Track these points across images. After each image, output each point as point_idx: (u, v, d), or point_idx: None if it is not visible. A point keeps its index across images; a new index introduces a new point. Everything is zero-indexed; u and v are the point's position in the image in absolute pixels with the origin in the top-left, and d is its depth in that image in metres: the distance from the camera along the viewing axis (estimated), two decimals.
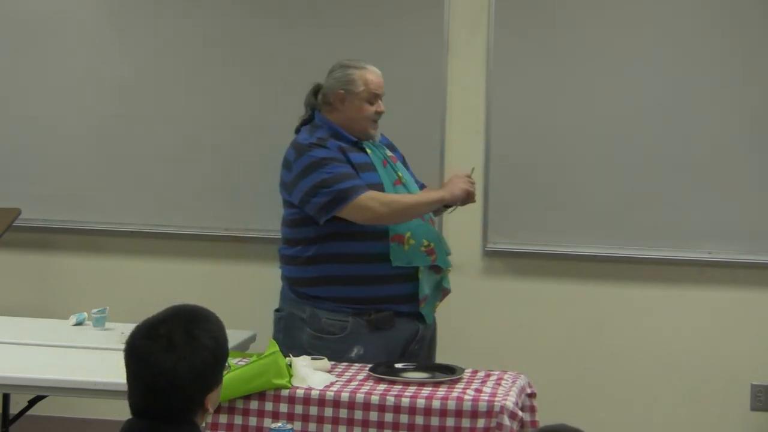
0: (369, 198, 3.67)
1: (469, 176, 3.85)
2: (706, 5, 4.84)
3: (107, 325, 4.27)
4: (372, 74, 3.84)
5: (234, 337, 3.99)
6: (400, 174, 3.84)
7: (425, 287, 3.76)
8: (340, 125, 3.81)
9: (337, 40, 5.02)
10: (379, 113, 3.84)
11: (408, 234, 3.71)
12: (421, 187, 4.03)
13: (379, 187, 3.72)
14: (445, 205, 3.87)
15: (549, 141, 4.93)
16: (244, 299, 5.12)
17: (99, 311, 4.31)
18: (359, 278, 3.73)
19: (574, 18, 4.91)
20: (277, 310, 3.94)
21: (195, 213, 5.17)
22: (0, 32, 5.25)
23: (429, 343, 3.93)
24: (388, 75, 4.94)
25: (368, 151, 3.82)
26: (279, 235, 5.07)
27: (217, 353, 2.29)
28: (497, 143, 4.94)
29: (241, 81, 5.11)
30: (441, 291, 3.89)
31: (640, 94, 4.86)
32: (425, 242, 3.74)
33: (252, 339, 4.27)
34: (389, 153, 3.90)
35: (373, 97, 3.82)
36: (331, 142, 3.75)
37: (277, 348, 3.32)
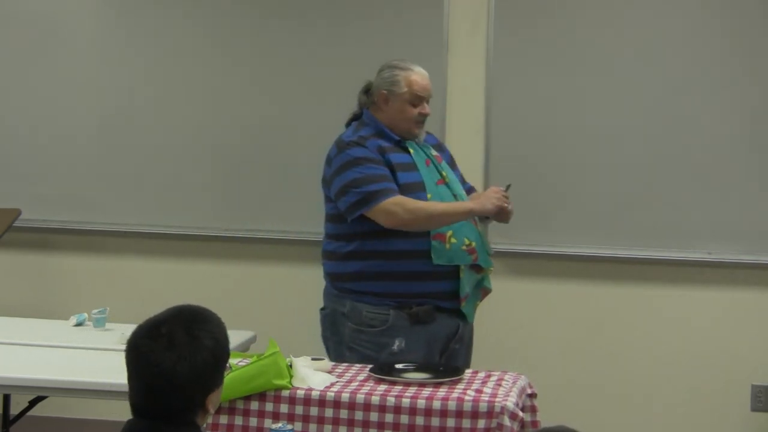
0: (394, 203, 3.67)
1: (505, 193, 3.82)
2: (706, 5, 4.84)
3: (107, 325, 4.27)
4: (417, 75, 3.81)
5: (234, 337, 3.98)
6: (444, 173, 3.83)
7: (466, 286, 3.77)
8: (385, 124, 3.81)
9: (337, 39, 5.02)
10: (423, 115, 3.82)
11: (450, 233, 3.71)
12: (469, 189, 4.04)
13: (420, 186, 3.73)
14: (484, 216, 3.84)
15: (549, 141, 4.93)
16: (245, 299, 5.13)
17: (99, 312, 4.31)
18: (400, 274, 3.74)
19: (574, 18, 4.91)
20: (321, 309, 3.95)
21: (195, 213, 5.17)
22: (0, 32, 5.25)
23: (468, 342, 3.93)
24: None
25: (411, 150, 3.81)
26: (279, 236, 5.11)
27: (218, 353, 2.29)
28: (497, 143, 4.94)
29: (241, 81, 5.11)
30: (481, 290, 3.90)
31: (640, 93, 4.86)
32: (467, 241, 3.74)
33: (252, 340, 4.26)
34: (434, 152, 3.89)
35: (417, 99, 3.79)
36: (372, 141, 3.76)
37: (277, 348, 3.31)
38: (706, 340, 4.92)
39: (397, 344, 3.75)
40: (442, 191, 3.77)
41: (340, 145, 3.81)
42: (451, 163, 4.00)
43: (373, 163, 3.72)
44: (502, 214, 3.81)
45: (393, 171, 3.73)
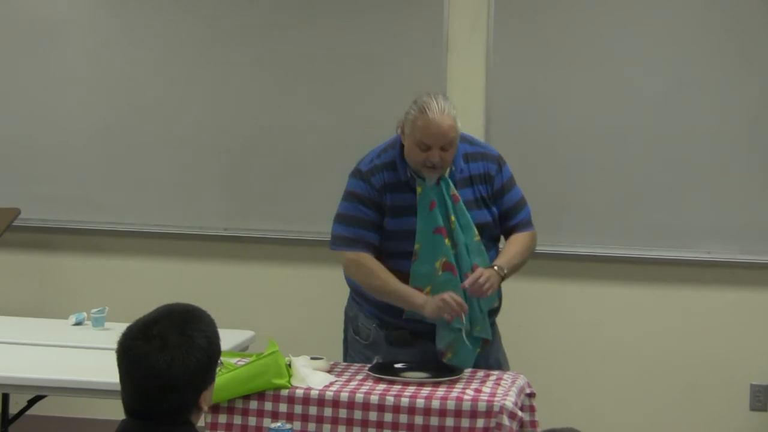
0: (353, 260, 3.60)
1: (455, 304, 3.46)
2: (706, 4, 4.83)
3: (106, 324, 4.27)
4: (425, 122, 3.47)
5: (233, 337, 4.01)
6: (452, 218, 3.55)
7: (441, 341, 3.58)
8: (405, 154, 3.59)
9: (338, 39, 5.02)
10: (430, 161, 3.49)
11: (428, 289, 3.55)
12: (516, 225, 3.70)
13: (409, 233, 3.55)
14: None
15: (548, 141, 4.92)
16: (244, 299, 5.12)
17: (98, 311, 4.31)
18: (374, 302, 3.70)
19: (574, 17, 4.90)
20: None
21: (195, 213, 5.16)
22: (0, 32, 5.25)
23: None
24: (387, 75, 4.99)
25: (420, 188, 3.57)
26: (279, 236, 5.12)
27: (211, 353, 2.28)
28: (497, 143, 4.89)
29: (242, 81, 5.11)
30: (480, 341, 3.64)
31: (639, 93, 4.85)
32: None
33: (251, 339, 4.26)
34: (453, 191, 3.56)
35: (423, 145, 3.48)
36: (380, 176, 3.60)
37: (276, 348, 3.31)
38: (705, 339, 4.91)
39: (375, 361, 3.67)
40: (436, 241, 3.54)
41: (353, 170, 3.70)
42: (486, 198, 3.65)
43: (361, 204, 3.60)
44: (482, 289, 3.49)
45: (384, 214, 3.60)
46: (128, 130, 5.19)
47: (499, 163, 3.70)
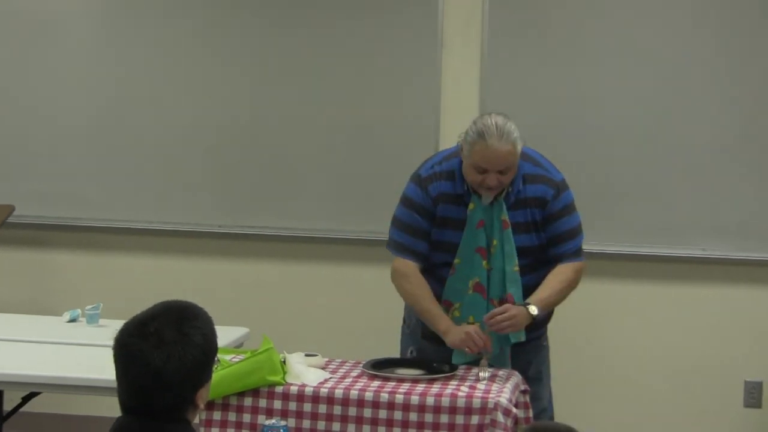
0: (399, 267, 3.63)
1: (479, 338, 3.45)
2: (702, 1, 4.83)
3: (101, 321, 4.26)
4: (482, 147, 3.42)
5: (228, 334, 4.01)
6: (495, 242, 3.53)
7: (457, 358, 3.54)
8: (464, 172, 3.57)
9: (331, 37, 5.01)
10: (487, 185, 3.47)
11: (458, 305, 3.57)
12: (560, 255, 3.63)
13: (452, 246, 3.56)
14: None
15: (542, 138, 4.88)
16: (239, 296, 5.12)
17: (93, 308, 4.30)
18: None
19: (568, 14, 4.91)
20: None
21: (190, 210, 5.16)
22: None
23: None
24: (381, 71, 4.99)
25: (472, 205, 3.56)
26: (274, 232, 5.12)
27: (207, 349, 2.28)
28: None
29: (236, 78, 5.10)
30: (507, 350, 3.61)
31: (633, 91, 4.86)
32: (471, 319, 3.55)
33: (246, 336, 4.26)
34: (504, 216, 3.54)
35: (479, 168, 3.46)
36: (437, 185, 3.59)
37: (271, 345, 3.31)
38: (699, 336, 4.92)
39: (410, 352, 3.75)
40: (475, 260, 3.54)
41: (413, 173, 3.70)
42: (541, 222, 3.60)
43: (416, 212, 3.61)
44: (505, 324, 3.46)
45: (428, 224, 3.61)
46: (123, 127, 5.18)
47: (559, 188, 3.63)
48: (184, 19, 5.14)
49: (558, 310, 4.93)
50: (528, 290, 3.57)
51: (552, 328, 4.35)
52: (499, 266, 3.54)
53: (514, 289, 3.55)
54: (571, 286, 3.64)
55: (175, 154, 5.16)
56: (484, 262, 3.54)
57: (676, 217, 4.86)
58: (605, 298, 4.97)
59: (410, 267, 3.61)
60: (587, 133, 4.89)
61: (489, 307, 3.51)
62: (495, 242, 3.54)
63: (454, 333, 3.48)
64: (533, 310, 3.49)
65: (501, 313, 3.44)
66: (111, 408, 2.42)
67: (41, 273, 5.31)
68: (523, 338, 3.55)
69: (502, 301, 3.54)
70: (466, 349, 3.45)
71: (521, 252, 3.56)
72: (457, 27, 4.97)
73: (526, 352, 3.69)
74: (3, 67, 5.24)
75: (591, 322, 4.98)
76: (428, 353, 3.67)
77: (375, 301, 4.78)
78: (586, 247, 4.81)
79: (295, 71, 5.06)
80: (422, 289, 3.59)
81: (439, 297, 3.60)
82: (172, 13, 5.14)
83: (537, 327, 3.66)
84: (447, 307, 3.58)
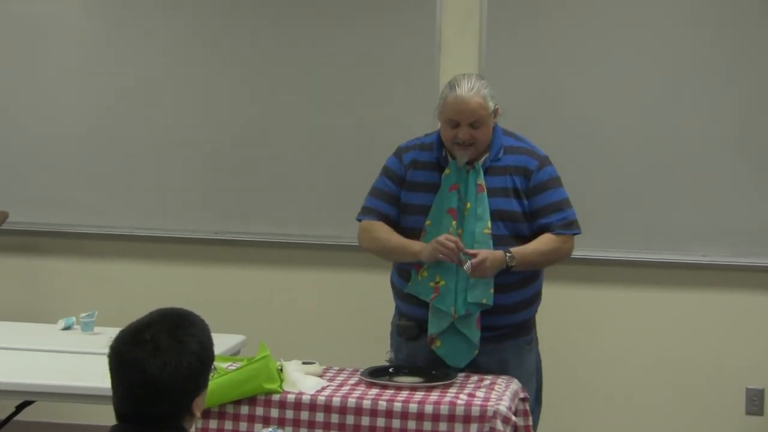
0: (363, 227, 3.72)
1: (451, 243, 3.46)
2: (701, 4, 4.84)
3: (96, 329, 4.26)
4: (453, 98, 3.55)
5: (224, 341, 4.01)
6: (468, 204, 3.57)
7: (433, 325, 3.59)
8: (441, 134, 3.66)
9: (328, 39, 5.02)
10: (461, 140, 3.55)
11: (425, 265, 3.59)
12: (543, 226, 3.63)
13: (422, 209, 3.61)
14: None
15: (540, 143, 4.89)
16: (235, 303, 5.12)
17: (87, 315, 4.30)
18: (395, 288, 3.77)
19: (568, 17, 4.91)
20: None
21: (185, 216, 5.17)
22: None
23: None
24: (378, 77, 4.99)
25: (448, 171, 3.63)
26: (269, 239, 5.12)
27: (204, 357, 2.29)
28: None
29: (231, 82, 5.11)
30: (476, 341, 3.57)
31: (633, 95, 4.86)
32: (437, 278, 3.58)
33: (242, 343, 4.26)
34: (480, 180, 3.59)
35: (451, 122, 3.56)
36: (411, 153, 3.71)
37: (267, 352, 3.31)
38: (700, 343, 4.92)
39: (388, 355, 3.75)
40: (445, 221, 3.57)
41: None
42: (525, 192, 3.63)
43: (388, 178, 3.72)
44: (475, 270, 3.51)
45: (395, 188, 3.69)
46: (117, 133, 5.19)
47: (542, 161, 3.71)
48: (180, 24, 5.15)
49: (556, 316, 4.96)
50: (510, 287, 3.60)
51: (549, 334, 4.36)
52: (471, 229, 3.57)
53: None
54: (557, 253, 3.66)
55: (171, 161, 5.16)
56: (454, 223, 3.57)
57: (675, 223, 4.86)
58: (604, 305, 4.97)
59: (371, 223, 3.69)
60: (586, 139, 4.89)
61: (457, 267, 3.52)
62: (468, 205, 3.59)
63: (426, 248, 3.52)
64: (511, 257, 3.50)
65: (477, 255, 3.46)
66: (106, 416, 2.43)
67: (35, 280, 5.31)
68: (484, 299, 3.54)
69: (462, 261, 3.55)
70: (441, 256, 3.46)
71: (496, 214, 3.59)
72: (455, 33, 4.98)
73: (502, 350, 3.67)
74: None
75: (590, 328, 4.98)
76: (404, 351, 3.70)
77: (373, 307, 4.76)
78: (585, 252, 4.85)
79: (290, 74, 5.06)
80: (387, 232, 3.65)
81: (410, 263, 3.63)
82: (168, 18, 5.15)
83: (521, 328, 3.69)
84: (417, 269, 3.61)
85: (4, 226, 4.99)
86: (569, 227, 3.68)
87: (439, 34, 4.97)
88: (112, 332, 2.32)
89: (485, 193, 3.59)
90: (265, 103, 5.08)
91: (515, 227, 3.61)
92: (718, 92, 4.82)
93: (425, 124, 4.45)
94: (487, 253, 3.48)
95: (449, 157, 3.64)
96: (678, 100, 4.85)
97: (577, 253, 4.82)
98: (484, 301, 3.55)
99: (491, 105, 3.59)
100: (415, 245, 3.58)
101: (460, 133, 3.56)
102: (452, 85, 3.60)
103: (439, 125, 3.67)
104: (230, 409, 3.27)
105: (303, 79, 5.06)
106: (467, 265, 3.43)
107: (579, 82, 4.90)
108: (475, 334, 3.57)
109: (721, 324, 4.92)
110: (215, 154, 5.13)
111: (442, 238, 3.48)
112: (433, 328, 3.59)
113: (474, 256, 3.45)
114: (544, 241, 3.62)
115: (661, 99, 4.86)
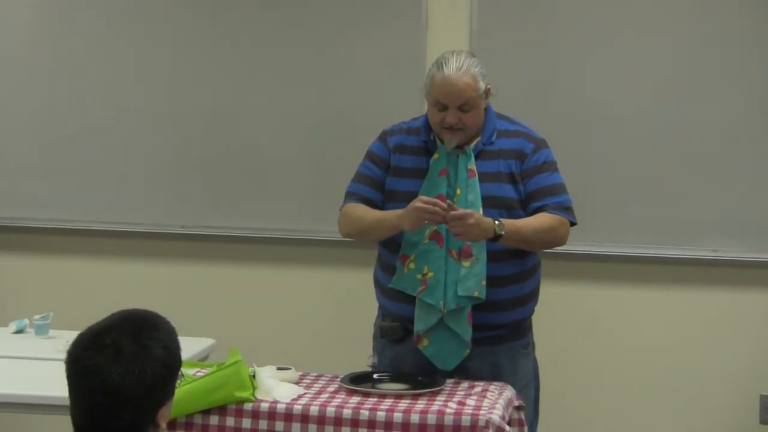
0: (344, 211, 3.75)
1: (434, 207, 3.46)
2: None
3: (51, 332, 4.26)
4: (440, 78, 3.57)
5: (192, 345, 4.01)
6: (459, 191, 3.59)
7: (420, 322, 3.61)
8: (429, 116, 3.70)
9: (308, 20, 5.02)
10: (449, 123, 3.58)
11: (412, 257, 3.61)
12: (539, 208, 3.65)
13: (408, 196, 3.60)
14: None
15: (537, 126, 4.90)
16: (204, 304, 5.13)
17: (42, 317, 4.30)
18: (381, 287, 3.78)
19: None
20: None
21: (148, 209, 5.16)
22: None
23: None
24: (365, 54, 5.01)
25: (436, 155, 3.65)
26: (241, 233, 5.13)
27: (170, 364, 2.29)
28: None
29: (201, 67, 5.11)
30: (467, 341, 3.58)
31: (641, 75, 4.86)
32: (425, 270, 3.60)
33: (212, 347, 4.27)
34: (471, 165, 3.61)
35: (438, 104, 3.60)
36: (397, 137, 3.75)
37: (239, 357, 3.32)
38: (711, 345, 4.94)
39: (370, 360, 3.77)
40: None
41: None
42: (520, 175, 3.66)
43: (370, 162, 3.77)
44: (462, 235, 3.54)
45: (381, 173, 3.73)
46: (73, 120, 5.18)
47: (539, 144, 3.74)
48: (144, 7, 5.13)
49: (561, 315, 4.98)
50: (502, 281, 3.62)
51: (547, 336, 4.40)
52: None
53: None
54: (551, 234, 3.65)
55: (133, 149, 5.16)
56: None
57: (686, 217, 4.87)
58: (610, 303, 4.99)
59: (352, 205, 3.72)
60: (589, 126, 4.89)
61: (447, 258, 3.55)
62: (459, 191, 3.61)
63: (406, 213, 3.50)
64: (500, 225, 3.50)
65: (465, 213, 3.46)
66: (62, 429, 2.43)
67: None
68: (482, 296, 3.54)
69: (460, 253, 3.57)
70: (426, 222, 3.48)
71: (489, 201, 3.60)
72: (443, 8, 4.98)
73: (495, 354, 3.68)
74: None
75: (594, 328, 5.00)
76: (388, 355, 3.72)
77: (354, 309, 4.77)
78: (586, 247, 4.87)
79: (268, 56, 5.06)
80: (363, 210, 3.68)
81: (396, 253, 3.65)
82: (130, 1, 5.14)
83: (516, 330, 3.70)
84: (402, 261, 3.62)
85: None
86: (565, 212, 3.70)
87: (425, 9, 4.98)
88: (69, 336, 2.33)
89: (477, 178, 3.61)
90: (236, 86, 5.08)
91: (510, 214, 3.63)
92: (733, 82, 4.81)
93: (411, 108, 4.48)
94: (477, 215, 3.49)
95: (438, 141, 3.66)
96: (693, 89, 4.83)
97: (577, 248, 4.89)
98: (476, 294, 3.55)
99: (482, 85, 3.61)
100: (390, 215, 3.60)
101: (448, 116, 3.58)
102: (440, 64, 3.61)
103: (427, 108, 3.68)
104: (198, 420, 3.28)
105: (277, 59, 5.06)
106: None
107: (577, 62, 4.89)
108: (466, 331, 3.58)
109: (732, 325, 4.94)
110: (182, 143, 5.13)
111: (419, 202, 3.47)
112: (420, 325, 3.60)
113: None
114: (539, 219, 3.64)
115: (672, 81, 4.85)
